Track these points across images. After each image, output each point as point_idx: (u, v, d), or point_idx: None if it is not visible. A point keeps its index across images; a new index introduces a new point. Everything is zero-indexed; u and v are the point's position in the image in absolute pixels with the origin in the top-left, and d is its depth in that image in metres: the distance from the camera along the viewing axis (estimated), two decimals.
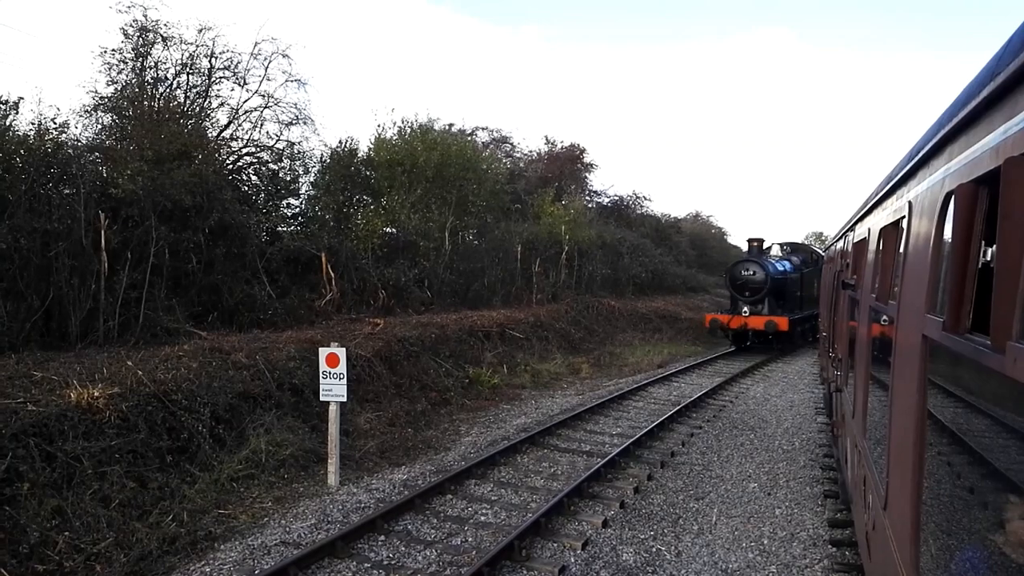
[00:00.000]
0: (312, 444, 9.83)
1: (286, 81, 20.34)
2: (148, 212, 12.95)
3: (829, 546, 7.31)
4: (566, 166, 39.94)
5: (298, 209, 20.60)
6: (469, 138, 31.37)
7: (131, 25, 17.59)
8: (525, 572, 6.61)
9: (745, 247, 25.48)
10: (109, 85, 17.67)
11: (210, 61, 18.81)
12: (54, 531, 6.56)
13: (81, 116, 17.04)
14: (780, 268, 24.51)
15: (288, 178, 19.73)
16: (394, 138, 25.37)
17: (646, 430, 11.57)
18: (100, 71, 17.92)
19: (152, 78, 18.17)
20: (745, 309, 22.96)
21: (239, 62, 19.28)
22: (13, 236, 10.93)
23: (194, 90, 18.89)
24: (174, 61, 18.33)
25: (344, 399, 9.03)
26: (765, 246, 25.84)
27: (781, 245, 28.62)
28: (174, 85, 18.64)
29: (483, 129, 36.48)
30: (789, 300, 24.29)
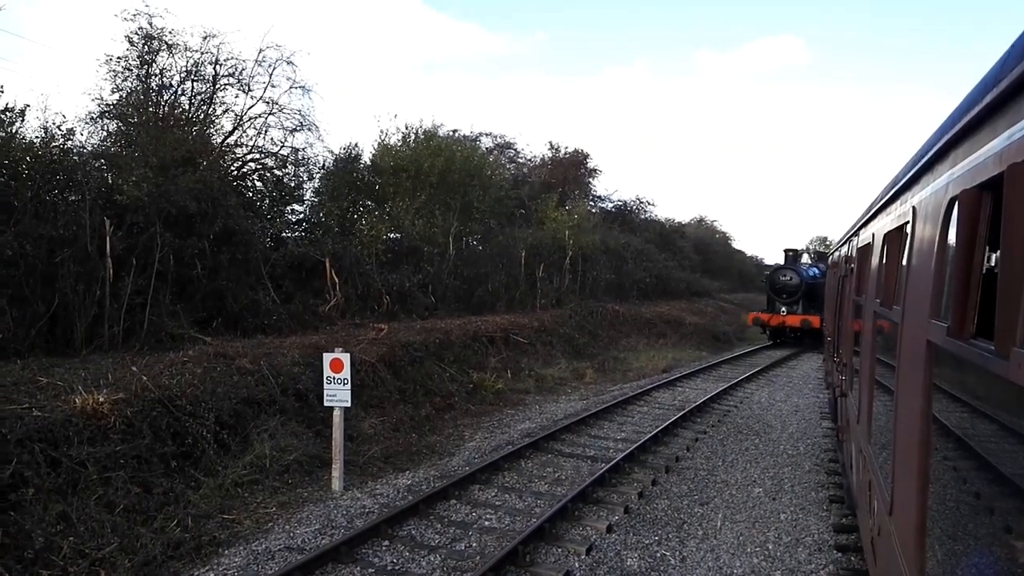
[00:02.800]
0: (316, 449, 9.84)
1: (290, 88, 20.33)
2: (153, 218, 12.99)
3: (834, 551, 7.28)
4: (570, 171, 39.96)
5: (302, 215, 20.64)
6: (473, 144, 31.42)
7: (136, 33, 17.66)
8: None
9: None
10: (114, 92, 17.74)
11: (215, 68, 18.86)
12: (59, 536, 6.56)
13: (87, 123, 17.08)
14: (811, 274, 27.95)
15: (292, 184, 19.76)
16: (398, 144, 25.42)
17: (650, 435, 11.55)
18: (105, 78, 17.96)
19: (157, 85, 18.24)
20: (783, 309, 26.84)
21: (243, 69, 19.32)
22: (19, 242, 10.96)
23: (199, 97, 18.94)
24: (179, 68, 18.39)
25: (348, 404, 9.03)
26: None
27: (809, 253, 32.93)
28: (179, 92, 18.70)
29: (487, 135, 36.53)
30: (818, 301, 26.79)
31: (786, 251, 29.68)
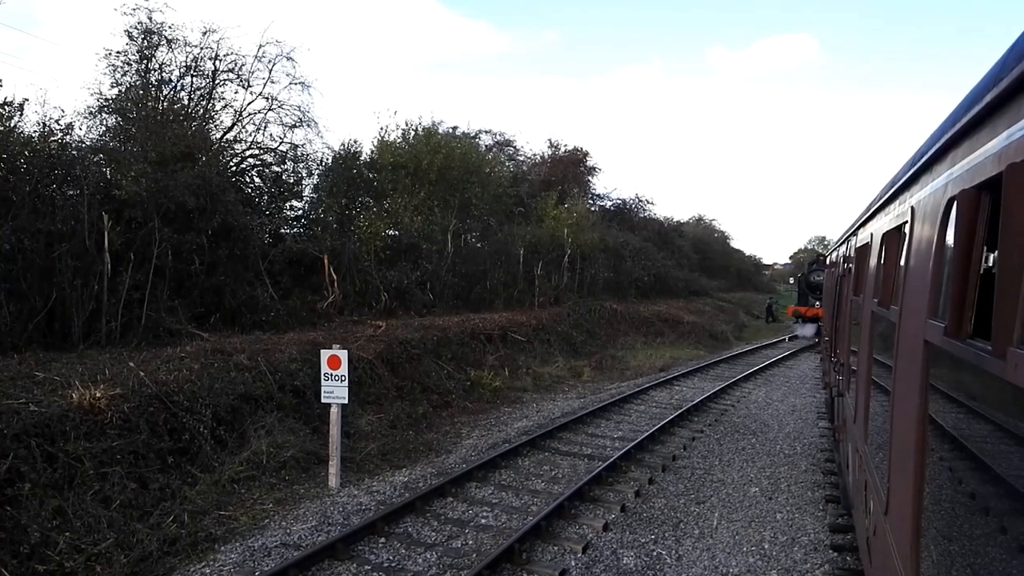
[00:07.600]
0: (313, 446, 9.83)
1: (290, 84, 20.34)
2: (151, 214, 12.97)
3: (830, 551, 7.29)
4: (569, 169, 39.92)
5: (301, 211, 20.63)
6: (472, 141, 31.38)
7: (136, 27, 17.66)
8: (525, 575, 6.60)
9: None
10: (114, 87, 17.72)
11: (214, 63, 18.85)
12: (55, 531, 6.56)
13: (86, 118, 17.09)
14: None
15: (291, 180, 19.74)
16: (398, 141, 25.39)
17: (647, 434, 11.56)
18: (105, 73, 18.02)
19: (156, 80, 18.22)
20: (816, 303, 30.92)
21: (243, 65, 19.32)
22: (17, 237, 10.94)
23: (198, 92, 18.92)
24: (178, 63, 18.39)
25: (345, 401, 9.03)
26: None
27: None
28: (178, 87, 18.69)
29: (487, 132, 36.48)
30: None
31: (818, 255, 37.92)
